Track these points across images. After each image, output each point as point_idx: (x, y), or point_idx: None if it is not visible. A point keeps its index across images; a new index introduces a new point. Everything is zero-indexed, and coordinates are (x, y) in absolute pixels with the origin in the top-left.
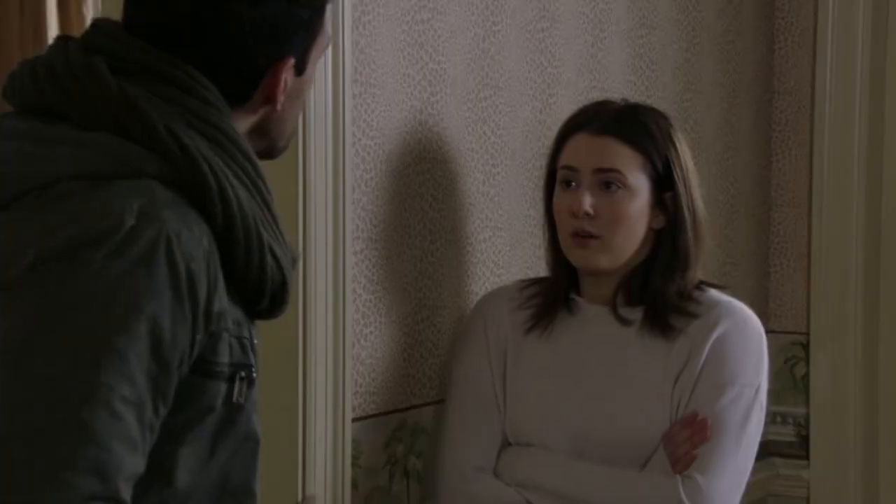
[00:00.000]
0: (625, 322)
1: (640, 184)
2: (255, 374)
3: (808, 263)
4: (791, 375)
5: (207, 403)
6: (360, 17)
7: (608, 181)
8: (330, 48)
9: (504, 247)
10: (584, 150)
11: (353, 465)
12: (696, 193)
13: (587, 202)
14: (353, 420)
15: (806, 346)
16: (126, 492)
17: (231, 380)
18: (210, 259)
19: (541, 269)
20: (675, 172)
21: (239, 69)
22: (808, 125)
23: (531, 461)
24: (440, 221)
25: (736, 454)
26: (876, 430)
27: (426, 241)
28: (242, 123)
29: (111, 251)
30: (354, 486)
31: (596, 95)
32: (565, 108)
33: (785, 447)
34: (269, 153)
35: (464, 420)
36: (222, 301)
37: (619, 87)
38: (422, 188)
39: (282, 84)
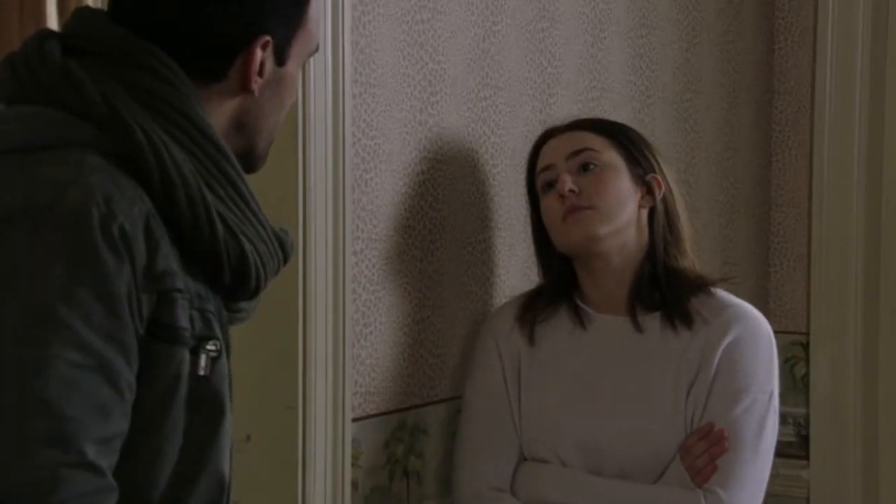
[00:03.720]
0: (640, 328)
1: (615, 161)
2: (222, 349)
3: (808, 263)
4: (791, 375)
5: (174, 371)
6: (360, 17)
7: (584, 162)
8: (330, 48)
9: (504, 247)
10: (555, 146)
11: (353, 465)
12: (674, 186)
13: (569, 181)
14: (353, 420)
15: (806, 346)
16: (100, 455)
17: (195, 352)
18: (148, 220)
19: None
20: (649, 156)
21: (210, 42)
22: (808, 125)
23: (548, 478)
24: (440, 221)
25: (755, 464)
26: (876, 430)
27: (426, 241)
28: (219, 111)
29: (39, 221)
30: (354, 486)
31: (596, 95)
32: (565, 108)
33: (785, 447)
34: (247, 156)
35: (480, 440)
36: (169, 262)
37: (619, 87)
38: (422, 188)
39: (256, 61)
